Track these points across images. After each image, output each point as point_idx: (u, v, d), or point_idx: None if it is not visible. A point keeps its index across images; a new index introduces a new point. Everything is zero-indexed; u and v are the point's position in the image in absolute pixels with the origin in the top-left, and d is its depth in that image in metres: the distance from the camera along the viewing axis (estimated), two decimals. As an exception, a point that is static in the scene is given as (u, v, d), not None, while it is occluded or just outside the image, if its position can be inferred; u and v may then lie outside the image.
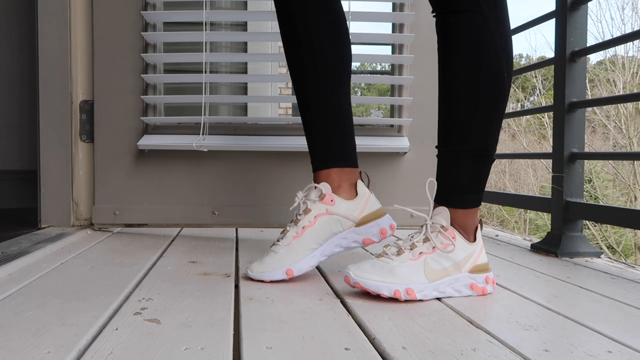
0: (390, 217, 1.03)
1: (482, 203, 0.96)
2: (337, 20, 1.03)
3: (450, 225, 0.89)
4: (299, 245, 0.95)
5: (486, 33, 0.88)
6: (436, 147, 0.95)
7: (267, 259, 0.95)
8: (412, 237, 0.89)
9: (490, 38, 0.88)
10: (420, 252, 0.86)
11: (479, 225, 0.94)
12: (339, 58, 1.03)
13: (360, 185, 1.01)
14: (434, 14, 0.94)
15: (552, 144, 1.45)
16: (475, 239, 0.92)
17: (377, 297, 0.85)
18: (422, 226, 0.90)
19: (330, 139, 1.02)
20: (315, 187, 0.98)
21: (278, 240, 0.97)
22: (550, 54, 1.97)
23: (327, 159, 1.01)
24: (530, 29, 3.54)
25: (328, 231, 0.97)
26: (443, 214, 0.89)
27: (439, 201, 0.92)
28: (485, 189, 0.99)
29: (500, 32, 0.88)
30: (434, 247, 0.87)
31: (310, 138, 1.05)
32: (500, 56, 0.88)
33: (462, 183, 0.91)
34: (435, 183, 0.91)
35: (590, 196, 9.13)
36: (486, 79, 0.89)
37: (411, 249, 0.87)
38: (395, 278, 0.83)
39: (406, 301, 0.83)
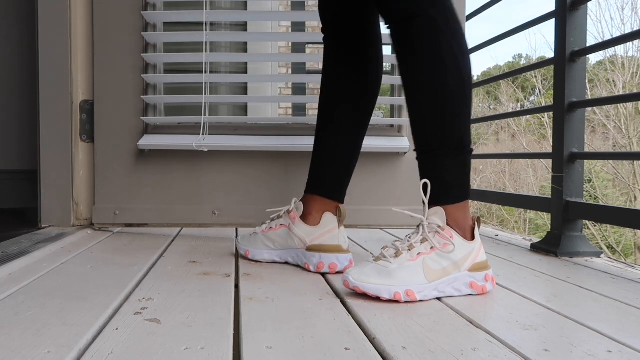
0: (344, 257, 1.03)
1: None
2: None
3: (447, 225, 0.90)
4: (258, 238, 1.12)
5: (439, 35, 0.90)
6: (414, 150, 0.97)
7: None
8: (409, 237, 0.89)
9: (444, 40, 0.90)
10: (419, 253, 0.86)
11: (476, 223, 0.94)
12: (361, 110, 1.13)
13: (327, 218, 1.06)
14: (387, 25, 0.96)
15: (552, 144, 1.45)
16: (473, 237, 0.92)
17: (377, 298, 0.85)
18: (418, 226, 0.90)
19: (324, 169, 1.12)
20: (294, 202, 1.11)
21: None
22: (550, 54, 1.98)
23: (313, 185, 1.11)
24: (530, 29, 3.55)
25: (284, 241, 1.09)
26: (439, 214, 0.90)
27: (431, 199, 0.92)
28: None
29: (452, 32, 0.90)
30: (432, 247, 0.87)
31: (311, 162, 1.15)
32: (456, 55, 0.90)
33: (445, 180, 0.92)
34: (429, 184, 0.91)
35: (590, 196, 9.13)
36: (444, 80, 0.90)
37: (409, 250, 0.87)
38: (394, 280, 0.83)
39: (406, 302, 0.83)
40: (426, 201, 0.91)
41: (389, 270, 0.84)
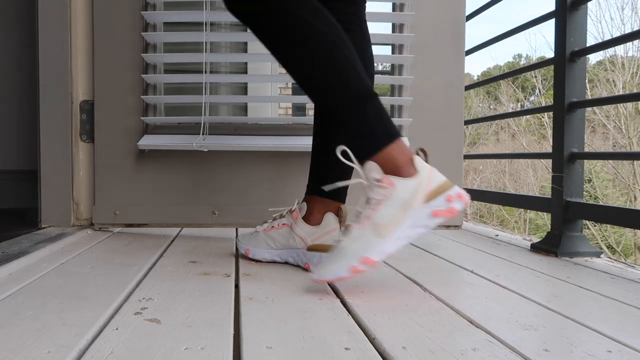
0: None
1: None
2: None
3: (385, 174, 0.85)
4: (259, 237, 1.12)
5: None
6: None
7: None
8: (357, 207, 0.88)
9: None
10: (366, 216, 0.83)
11: (414, 155, 0.88)
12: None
13: (328, 218, 1.05)
14: None
15: (552, 144, 1.45)
16: (415, 170, 0.86)
17: (377, 297, 0.85)
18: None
19: (325, 171, 1.10)
20: (297, 203, 1.11)
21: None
22: (550, 54, 1.98)
23: (314, 185, 1.10)
24: (530, 29, 3.54)
25: (285, 240, 1.08)
26: (373, 168, 0.85)
27: (358, 160, 0.88)
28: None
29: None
30: (377, 202, 0.83)
31: (311, 162, 1.14)
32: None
33: (361, 133, 0.87)
34: (347, 148, 0.87)
35: (590, 196, 9.13)
36: (290, 29, 0.88)
37: (357, 218, 0.85)
38: (347, 256, 0.82)
39: (406, 302, 0.83)
40: (356, 163, 0.87)
41: (339, 249, 0.84)
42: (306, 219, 1.07)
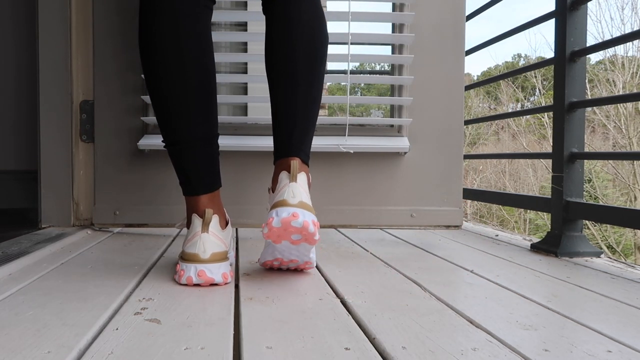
0: (283, 210, 0.88)
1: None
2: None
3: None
4: None
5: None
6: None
7: None
8: None
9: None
10: None
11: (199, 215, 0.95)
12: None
13: (280, 178, 0.96)
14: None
15: (552, 144, 1.45)
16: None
17: (377, 297, 0.85)
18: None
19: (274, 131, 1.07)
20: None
21: None
22: (550, 54, 1.98)
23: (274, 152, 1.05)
24: (530, 29, 3.54)
25: None
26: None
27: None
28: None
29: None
30: None
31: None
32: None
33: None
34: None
35: (590, 196, 9.13)
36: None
37: None
38: None
39: (406, 302, 0.83)
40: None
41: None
42: (271, 187, 1.00)
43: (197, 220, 0.94)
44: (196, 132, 0.97)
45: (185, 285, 0.91)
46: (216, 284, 0.92)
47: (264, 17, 1.09)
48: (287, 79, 1.00)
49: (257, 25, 2.18)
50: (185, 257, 0.92)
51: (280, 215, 0.85)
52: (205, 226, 0.93)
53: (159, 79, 0.96)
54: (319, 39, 1.02)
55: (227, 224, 1.02)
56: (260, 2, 1.09)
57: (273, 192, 0.96)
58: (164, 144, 1.00)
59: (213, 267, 0.90)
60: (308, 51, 1.00)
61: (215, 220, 0.95)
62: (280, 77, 1.01)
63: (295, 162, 0.93)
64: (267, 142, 1.46)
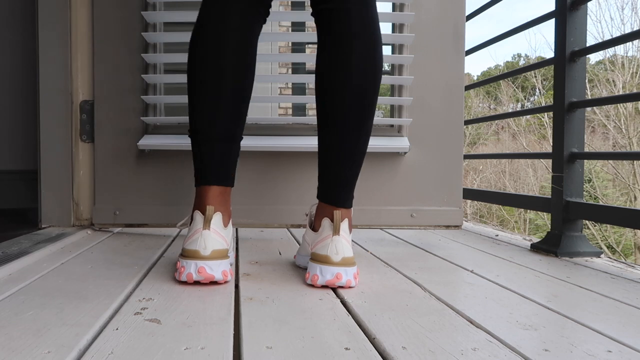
0: (327, 270, 0.93)
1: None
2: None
3: None
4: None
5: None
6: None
7: None
8: None
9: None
10: None
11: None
12: None
13: (324, 224, 1.00)
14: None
15: (552, 144, 1.45)
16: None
17: (377, 298, 0.85)
18: None
19: (320, 175, 1.05)
20: (310, 207, 1.09)
21: None
22: (549, 54, 1.98)
23: (318, 190, 1.04)
24: (530, 29, 3.54)
25: (305, 245, 1.09)
26: None
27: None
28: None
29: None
30: None
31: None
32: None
33: None
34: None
35: (590, 196, 9.13)
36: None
37: None
38: None
39: (406, 302, 0.83)
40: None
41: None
42: (313, 224, 1.03)
43: (199, 217, 0.94)
44: (220, 131, 0.98)
45: (185, 282, 0.91)
46: (216, 282, 0.92)
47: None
48: (340, 122, 0.98)
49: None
50: (185, 254, 0.92)
51: (325, 276, 0.92)
52: (207, 223, 0.93)
53: (194, 83, 0.98)
54: (377, 80, 1.00)
55: (229, 222, 1.02)
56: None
57: (314, 231, 1.00)
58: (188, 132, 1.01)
59: (213, 264, 0.90)
60: (364, 95, 0.98)
61: (217, 218, 0.95)
62: (336, 118, 0.99)
63: (339, 213, 0.96)
64: (267, 142, 1.46)
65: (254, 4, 1.00)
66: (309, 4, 1.04)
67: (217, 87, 0.97)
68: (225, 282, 0.93)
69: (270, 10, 1.05)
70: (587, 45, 1.39)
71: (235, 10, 0.98)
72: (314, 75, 1.03)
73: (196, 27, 0.99)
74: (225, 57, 0.97)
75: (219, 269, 0.91)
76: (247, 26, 0.99)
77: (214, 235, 0.93)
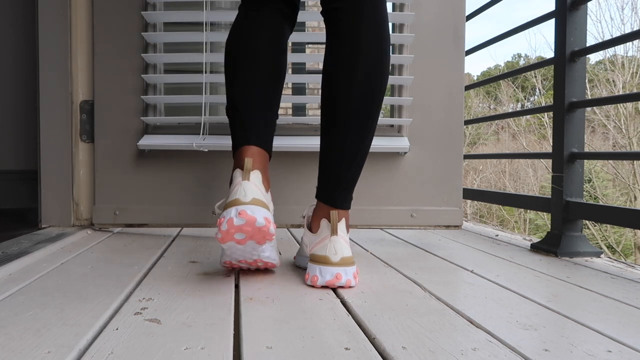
0: (326, 270, 0.93)
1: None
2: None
3: None
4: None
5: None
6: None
7: None
8: None
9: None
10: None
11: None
12: None
13: (322, 225, 1.01)
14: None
15: (552, 144, 1.45)
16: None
17: (377, 297, 0.85)
18: None
19: (320, 175, 1.05)
20: (308, 207, 1.09)
21: None
22: (550, 54, 1.99)
23: (317, 190, 1.04)
24: (530, 29, 3.54)
25: (304, 246, 1.09)
26: None
27: None
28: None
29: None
30: None
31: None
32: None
33: None
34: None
35: (590, 196, 9.13)
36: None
37: None
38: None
39: (406, 302, 0.83)
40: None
41: None
42: (311, 224, 1.02)
43: (237, 173, 0.91)
44: (259, 102, 1.00)
45: (227, 230, 0.83)
46: (258, 228, 0.83)
47: None
48: (347, 122, 0.98)
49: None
50: (225, 206, 0.86)
51: (325, 276, 0.92)
52: (247, 173, 0.89)
53: (229, 76, 1.01)
54: (384, 79, 0.99)
55: (269, 188, 1.00)
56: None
57: (312, 232, 1.00)
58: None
59: (255, 208, 0.84)
60: (371, 96, 0.98)
61: (257, 174, 0.91)
62: (342, 118, 0.98)
63: (335, 213, 0.96)
64: (267, 142, 1.46)
65: (280, 6, 1.04)
66: (318, 2, 1.05)
67: (252, 66, 0.99)
68: (268, 231, 0.84)
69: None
70: (587, 45, 1.39)
71: (268, 9, 1.02)
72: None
73: (234, 23, 1.04)
74: (259, 38, 1.00)
75: (261, 214, 0.84)
76: (279, 20, 1.04)
77: (254, 187, 0.88)
